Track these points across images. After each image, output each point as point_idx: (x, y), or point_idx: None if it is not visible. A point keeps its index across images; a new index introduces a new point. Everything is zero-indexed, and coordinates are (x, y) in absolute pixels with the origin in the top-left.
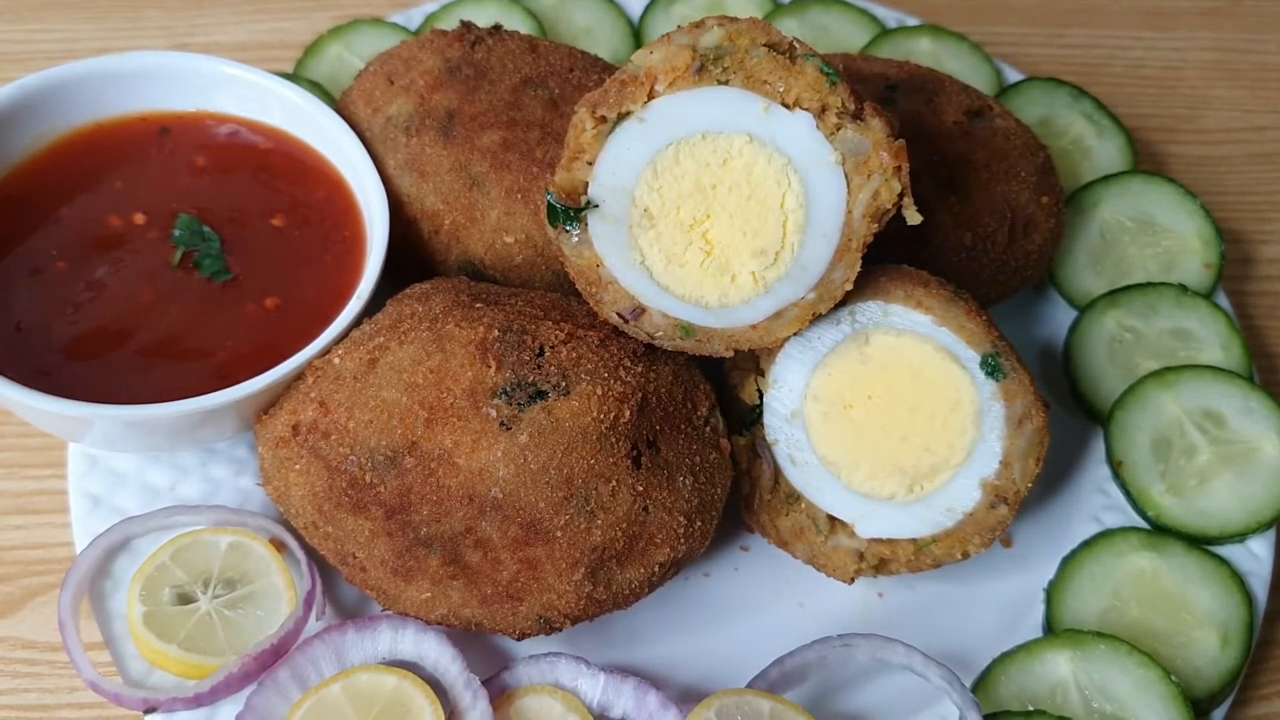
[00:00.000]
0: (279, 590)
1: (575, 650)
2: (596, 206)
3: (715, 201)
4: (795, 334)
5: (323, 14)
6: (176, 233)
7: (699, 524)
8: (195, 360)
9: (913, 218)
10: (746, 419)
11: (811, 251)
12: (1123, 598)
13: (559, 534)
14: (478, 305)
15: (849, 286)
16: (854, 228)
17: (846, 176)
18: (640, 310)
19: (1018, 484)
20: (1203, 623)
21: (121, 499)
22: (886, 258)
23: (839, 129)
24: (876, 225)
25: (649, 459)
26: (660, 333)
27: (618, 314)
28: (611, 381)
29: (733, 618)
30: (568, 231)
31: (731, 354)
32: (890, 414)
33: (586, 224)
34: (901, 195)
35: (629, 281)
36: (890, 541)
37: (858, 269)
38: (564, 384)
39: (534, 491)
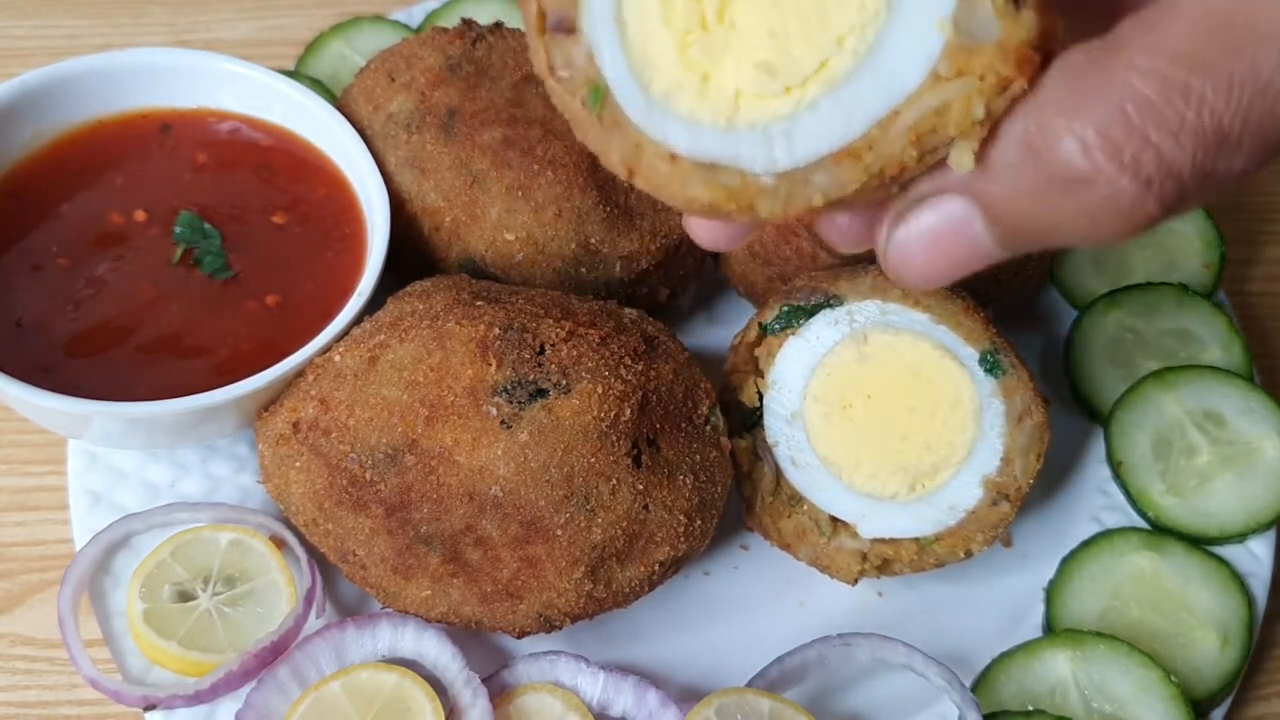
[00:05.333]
0: (279, 588)
1: (575, 648)
2: None
3: None
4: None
5: (324, 11)
6: (177, 230)
7: (699, 523)
8: (196, 357)
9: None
10: (747, 421)
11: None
12: (1123, 598)
13: (559, 532)
14: (478, 303)
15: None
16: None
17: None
18: (570, 27)
19: (1019, 480)
20: (1203, 623)
21: (122, 496)
22: None
23: None
24: (914, 152)
25: (649, 457)
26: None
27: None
28: (612, 380)
29: (733, 616)
30: None
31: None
32: (890, 413)
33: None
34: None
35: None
36: (893, 542)
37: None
38: (564, 382)
39: (534, 489)
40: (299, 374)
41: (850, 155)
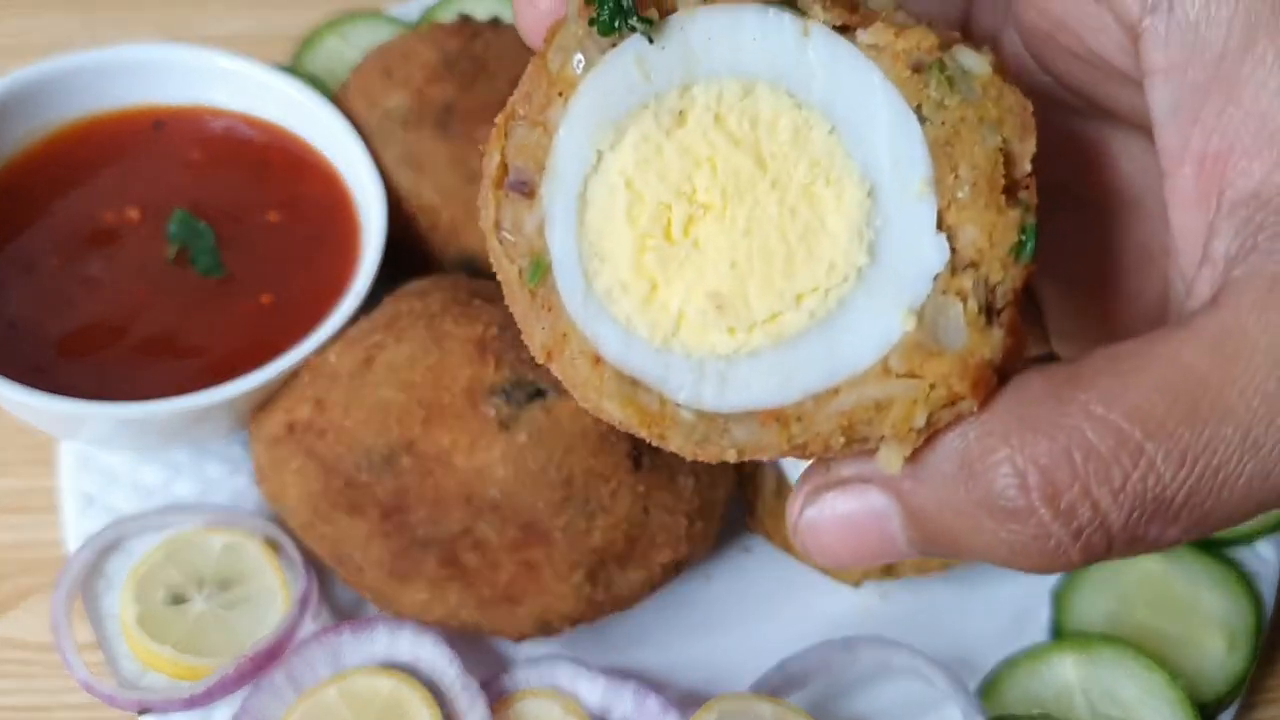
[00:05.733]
0: (274, 591)
1: (575, 653)
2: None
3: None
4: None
5: (319, 6)
6: (171, 228)
7: (700, 525)
8: (189, 357)
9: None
10: None
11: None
12: (1129, 601)
13: (558, 535)
14: (476, 302)
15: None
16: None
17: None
18: (530, 191)
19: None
20: (1210, 626)
21: (115, 498)
22: None
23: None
24: (842, 439)
25: (650, 459)
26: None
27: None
28: None
29: (735, 621)
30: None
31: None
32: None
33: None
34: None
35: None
36: None
37: None
38: None
39: (533, 492)
40: (294, 374)
41: (777, 419)
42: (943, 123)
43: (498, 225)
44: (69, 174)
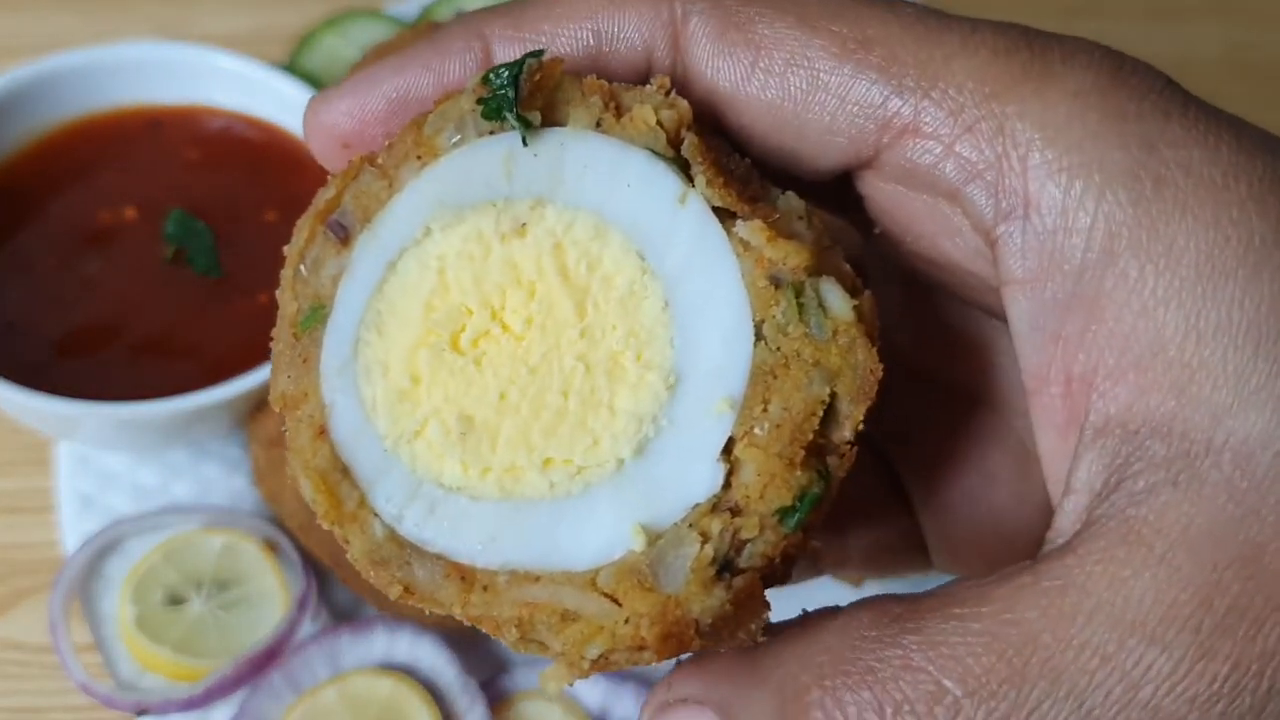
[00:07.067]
0: (272, 592)
1: None
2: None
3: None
4: None
5: (317, 5)
6: (169, 228)
7: None
8: (187, 357)
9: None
10: None
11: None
12: None
13: None
14: None
15: None
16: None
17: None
18: (346, 239)
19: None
20: None
21: (113, 498)
22: None
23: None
24: (515, 632)
25: None
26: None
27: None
28: None
29: None
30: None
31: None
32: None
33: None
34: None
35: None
36: None
37: None
38: None
39: None
40: None
41: (464, 578)
42: (777, 349)
43: (301, 256)
44: (66, 173)
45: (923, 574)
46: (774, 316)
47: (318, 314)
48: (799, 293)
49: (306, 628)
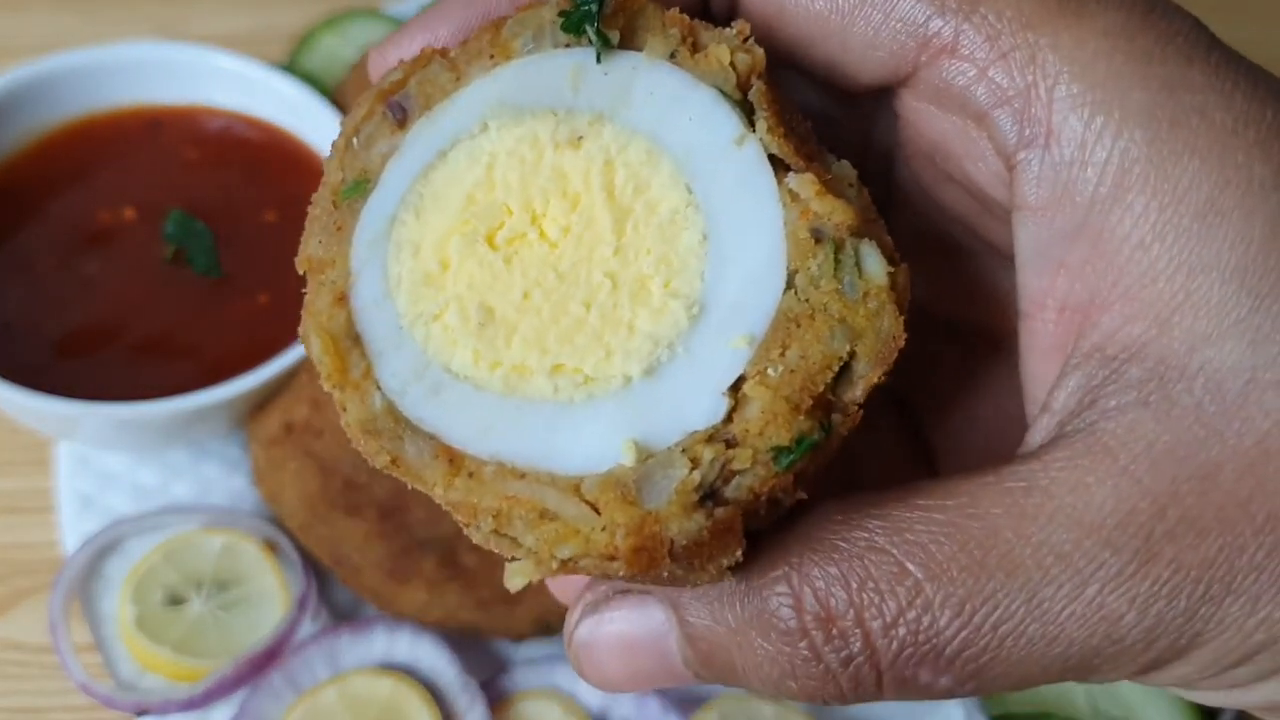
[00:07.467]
0: (272, 592)
1: None
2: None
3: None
4: None
5: (317, 5)
6: (168, 228)
7: None
8: (186, 358)
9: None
10: None
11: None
12: None
13: None
14: None
15: None
16: None
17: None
18: (403, 120)
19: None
20: None
21: (112, 499)
22: None
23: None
24: (491, 522)
25: None
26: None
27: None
28: None
29: None
30: None
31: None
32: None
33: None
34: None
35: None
36: None
37: None
38: None
39: None
40: (291, 375)
41: (452, 460)
42: (805, 300)
43: (356, 130)
44: (65, 174)
45: None
46: (809, 268)
47: (361, 187)
48: (839, 249)
49: (306, 628)
